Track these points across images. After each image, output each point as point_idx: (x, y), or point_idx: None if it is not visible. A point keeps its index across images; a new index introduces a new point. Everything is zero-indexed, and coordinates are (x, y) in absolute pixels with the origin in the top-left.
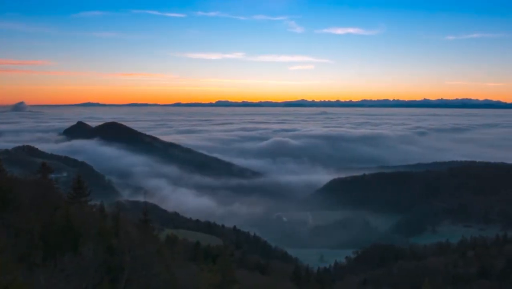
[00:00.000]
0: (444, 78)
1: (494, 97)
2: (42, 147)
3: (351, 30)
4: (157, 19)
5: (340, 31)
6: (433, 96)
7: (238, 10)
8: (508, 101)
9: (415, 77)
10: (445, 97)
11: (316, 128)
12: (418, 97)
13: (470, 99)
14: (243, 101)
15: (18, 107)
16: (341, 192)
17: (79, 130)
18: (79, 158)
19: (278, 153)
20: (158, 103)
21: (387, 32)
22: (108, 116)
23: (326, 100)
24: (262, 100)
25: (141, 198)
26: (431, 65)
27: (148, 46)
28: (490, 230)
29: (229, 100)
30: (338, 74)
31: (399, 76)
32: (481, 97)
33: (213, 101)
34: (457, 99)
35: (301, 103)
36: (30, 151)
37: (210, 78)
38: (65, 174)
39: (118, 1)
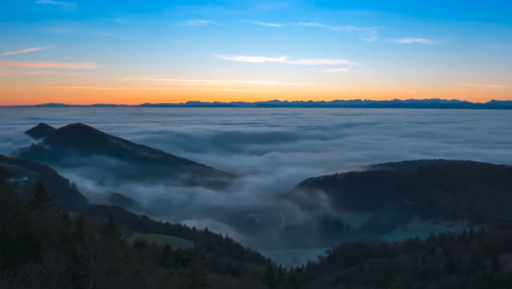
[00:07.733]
0: (415, 79)
1: (462, 98)
2: (1, 149)
3: (419, 40)
4: (261, 29)
5: (407, 40)
6: (403, 96)
7: (332, 20)
8: (474, 101)
9: (387, 78)
10: (414, 98)
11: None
12: (389, 97)
13: (439, 99)
14: (214, 102)
15: None
16: (314, 191)
17: (41, 131)
18: (41, 161)
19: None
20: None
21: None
22: None
23: (299, 100)
24: (235, 100)
25: (107, 202)
26: (402, 67)
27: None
28: (458, 226)
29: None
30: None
31: (371, 77)
32: (449, 97)
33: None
34: (426, 99)
35: (273, 104)
36: None
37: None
38: (25, 178)
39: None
